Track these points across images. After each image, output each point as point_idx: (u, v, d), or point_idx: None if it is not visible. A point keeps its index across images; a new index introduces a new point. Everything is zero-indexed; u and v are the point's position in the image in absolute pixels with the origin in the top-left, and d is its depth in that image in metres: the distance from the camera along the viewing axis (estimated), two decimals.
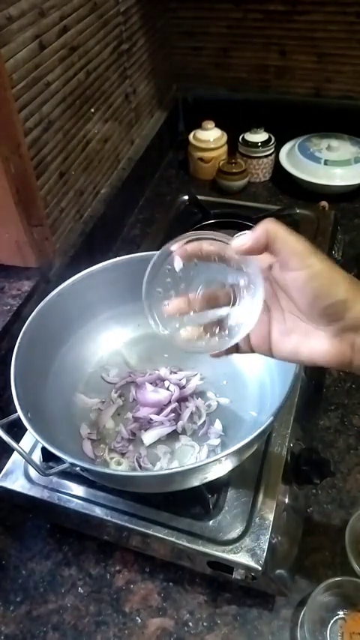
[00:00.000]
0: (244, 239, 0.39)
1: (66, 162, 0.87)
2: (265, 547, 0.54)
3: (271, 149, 1.19)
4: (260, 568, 0.53)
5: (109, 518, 0.58)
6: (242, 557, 0.54)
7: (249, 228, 0.74)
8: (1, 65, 0.66)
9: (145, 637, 0.60)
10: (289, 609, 0.61)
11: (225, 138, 1.21)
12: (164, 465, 0.62)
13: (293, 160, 1.17)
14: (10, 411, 0.53)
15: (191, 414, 0.66)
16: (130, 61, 1.06)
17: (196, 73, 1.28)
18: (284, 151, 1.20)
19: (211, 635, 0.60)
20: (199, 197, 1.00)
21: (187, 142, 1.23)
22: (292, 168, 1.15)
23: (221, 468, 0.53)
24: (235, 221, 0.92)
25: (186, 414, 0.66)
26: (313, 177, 1.11)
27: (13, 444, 0.50)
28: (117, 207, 1.06)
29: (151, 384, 0.69)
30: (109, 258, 0.68)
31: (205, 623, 0.61)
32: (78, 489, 0.61)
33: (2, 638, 0.62)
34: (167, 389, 0.68)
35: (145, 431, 0.65)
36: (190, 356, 0.72)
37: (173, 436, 0.65)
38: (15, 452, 0.62)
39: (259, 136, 1.18)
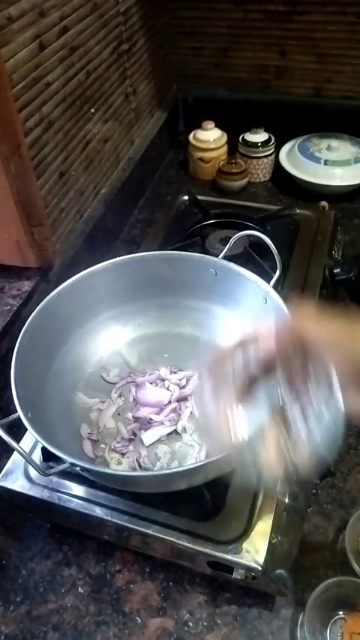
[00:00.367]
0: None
1: (66, 162, 0.87)
2: (265, 547, 0.54)
3: (271, 149, 1.19)
4: (260, 568, 0.53)
5: (109, 518, 0.58)
6: (242, 557, 0.54)
7: (249, 228, 0.74)
8: (1, 65, 0.66)
9: (145, 637, 0.61)
10: (289, 609, 0.61)
11: (225, 138, 1.21)
12: (164, 465, 0.62)
13: (293, 160, 1.17)
14: (10, 410, 0.53)
15: (191, 413, 0.66)
16: (130, 61, 1.06)
17: (196, 73, 1.28)
18: (284, 151, 1.20)
19: (211, 635, 0.60)
20: (199, 197, 1.00)
21: (187, 142, 1.23)
22: (292, 169, 1.15)
23: (221, 468, 0.53)
24: (235, 221, 0.92)
25: (186, 414, 0.66)
26: (313, 178, 1.12)
27: (13, 443, 0.50)
28: (117, 208, 1.06)
29: (151, 384, 0.69)
30: (109, 258, 0.68)
31: (205, 623, 0.61)
32: (78, 489, 0.61)
33: (2, 638, 0.62)
34: (167, 389, 0.68)
35: (145, 431, 0.65)
36: (190, 356, 0.72)
37: (173, 436, 0.65)
38: (15, 452, 0.62)
39: (259, 136, 1.18)
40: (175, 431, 0.65)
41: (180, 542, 0.56)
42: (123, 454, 0.64)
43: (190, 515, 0.57)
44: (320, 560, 0.65)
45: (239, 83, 1.26)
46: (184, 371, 0.71)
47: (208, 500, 0.57)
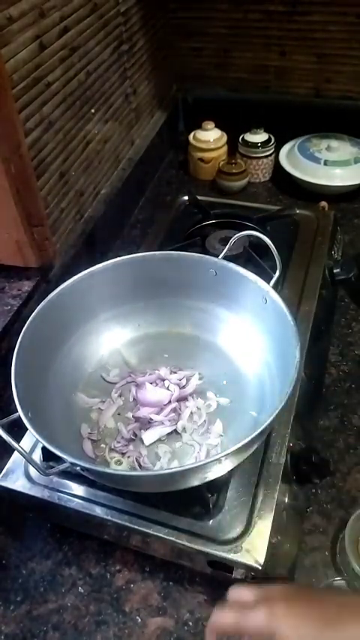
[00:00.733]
0: None
1: (66, 162, 0.87)
2: (265, 547, 0.55)
3: (270, 149, 1.19)
4: (260, 567, 0.54)
5: (109, 517, 0.58)
6: (242, 557, 0.54)
7: (249, 228, 0.74)
8: (1, 66, 0.66)
9: (145, 636, 0.61)
10: None
11: (225, 138, 1.22)
12: (164, 465, 0.62)
13: (293, 160, 1.17)
14: (10, 410, 0.53)
15: (191, 413, 0.66)
16: (130, 62, 1.06)
17: (196, 74, 1.28)
18: (284, 151, 1.20)
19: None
20: (199, 197, 1.00)
21: (187, 143, 1.23)
22: (291, 169, 1.15)
23: (221, 468, 0.53)
24: (235, 221, 0.92)
25: (186, 414, 0.66)
26: (313, 178, 1.12)
27: (14, 443, 0.50)
28: (117, 208, 1.06)
29: (151, 383, 0.69)
30: (110, 259, 0.68)
31: (205, 623, 0.61)
32: (78, 489, 0.61)
33: (2, 637, 0.62)
34: (167, 389, 0.68)
35: (146, 430, 0.65)
36: (190, 356, 0.72)
37: (173, 436, 0.65)
38: (15, 451, 0.62)
39: (259, 137, 1.19)
40: (175, 431, 0.65)
41: (180, 541, 0.56)
42: (123, 454, 0.64)
43: (190, 515, 0.57)
44: (320, 560, 0.65)
45: (239, 83, 1.26)
46: (184, 371, 0.71)
47: (208, 500, 0.57)
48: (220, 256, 0.67)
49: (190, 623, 0.61)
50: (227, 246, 0.68)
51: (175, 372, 0.71)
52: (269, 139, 1.19)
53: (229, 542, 0.55)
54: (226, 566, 0.56)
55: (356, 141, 1.16)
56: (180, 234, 0.92)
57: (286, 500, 0.61)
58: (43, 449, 0.63)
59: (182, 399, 0.68)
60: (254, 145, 1.18)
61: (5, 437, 0.50)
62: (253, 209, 0.98)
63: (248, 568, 0.54)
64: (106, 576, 0.65)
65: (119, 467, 0.62)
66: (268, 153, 1.19)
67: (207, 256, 0.68)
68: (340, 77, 1.17)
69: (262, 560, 0.54)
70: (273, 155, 1.20)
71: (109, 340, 0.74)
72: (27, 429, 0.50)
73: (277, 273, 0.64)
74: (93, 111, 0.93)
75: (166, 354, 0.73)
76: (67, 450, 0.50)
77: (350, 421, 0.77)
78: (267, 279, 0.63)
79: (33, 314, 0.61)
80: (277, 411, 0.49)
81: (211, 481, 0.54)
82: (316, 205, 1.06)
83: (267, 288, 0.62)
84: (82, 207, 0.96)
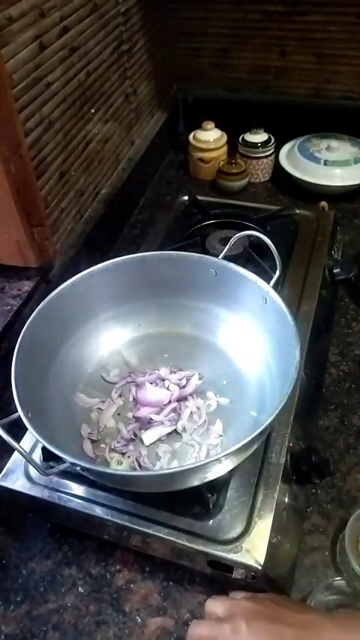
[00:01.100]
0: None
1: (66, 162, 0.87)
2: (265, 547, 0.55)
3: (270, 149, 1.19)
4: (260, 568, 0.54)
5: (109, 517, 0.58)
6: (242, 557, 0.54)
7: (249, 228, 0.74)
8: (1, 66, 0.66)
9: (145, 636, 0.61)
10: None
11: (225, 138, 1.22)
12: (164, 465, 0.62)
13: (293, 160, 1.17)
14: (10, 410, 0.53)
15: (191, 413, 0.66)
16: (130, 62, 1.06)
17: (196, 74, 1.28)
18: (284, 151, 1.20)
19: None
20: (199, 197, 1.00)
21: (187, 143, 1.23)
22: (291, 169, 1.15)
23: (221, 468, 0.53)
24: (235, 221, 0.92)
25: (186, 414, 0.66)
26: (313, 178, 1.12)
27: (14, 443, 0.50)
28: (117, 208, 1.06)
29: (151, 383, 0.69)
30: (110, 259, 0.68)
31: None
32: (78, 489, 0.61)
33: (2, 637, 0.62)
34: (167, 389, 0.68)
35: (146, 430, 0.65)
36: (190, 356, 0.72)
37: (173, 436, 0.65)
38: (15, 451, 0.62)
39: (258, 137, 1.19)
40: (175, 431, 0.65)
41: (180, 541, 0.56)
42: (123, 454, 0.64)
43: (190, 515, 0.57)
44: (320, 560, 0.65)
45: (239, 83, 1.26)
46: (184, 371, 0.71)
47: (208, 500, 0.57)
48: (220, 256, 0.67)
49: (190, 623, 0.61)
50: (227, 246, 0.68)
51: (175, 372, 0.71)
52: (269, 139, 1.19)
53: (229, 542, 0.55)
54: (226, 566, 0.56)
55: (356, 141, 1.16)
56: (180, 234, 0.92)
57: (286, 500, 0.61)
58: (43, 449, 0.63)
59: (182, 399, 0.68)
60: (254, 145, 1.18)
61: (5, 437, 0.50)
62: (253, 209, 0.98)
63: (248, 568, 0.54)
64: (106, 576, 0.65)
65: (119, 467, 0.62)
66: (268, 153, 1.19)
67: (207, 256, 0.68)
68: (340, 77, 1.17)
69: (262, 560, 0.54)
70: (273, 155, 1.20)
71: (109, 340, 0.74)
72: (27, 429, 0.50)
73: (277, 273, 0.64)
74: (93, 111, 0.93)
75: (166, 354, 0.73)
76: (67, 450, 0.50)
77: (350, 421, 0.77)
78: (267, 279, 0.63)
79: (33, 314, 0.61)
80: (277, 411, 0.49)
81: (211, 481, 0.54)
82: (316, 205, 1.06)
83: (267, 288, 0.62)
84: (82, 207, 0.96)
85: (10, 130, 0.69)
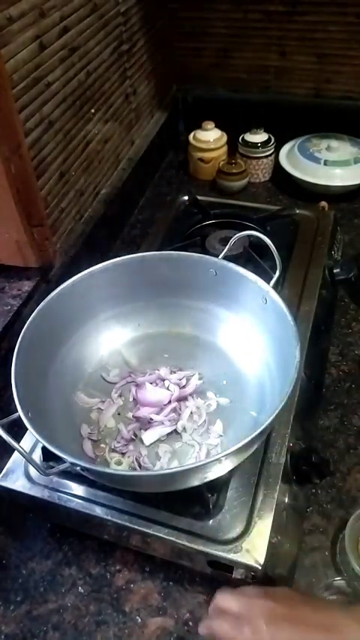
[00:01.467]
0: None
1: (66, 162, 0.87)
2: (265, 547, 0.55)
3: (270, 149, 1.19)
4: (260, 567, 0.54)
5: (109, 517, 0.58)
6: (242, 557, 0.54)
7: (249, 228, 0.74)
8: (1, 66, 0.66)
9: (145, 636, 0.61)
10: None
11: (225, 138, 1.22)
12: (164, 465, 0.62)
13: (293, 160, 1.17)
14: (10, 410, 0.53)
15: (191, 413, 0.66)
16: (130, 62, 1.06)
17: (196, 74, 1.28)
18: (284, 151, 1.20)
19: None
20: (199, 197, 1.00)
21: (187, 143, 1.23)
22: (291, 169, 1.15)
23: (221, 468, 0.53)
24: (235, 221, 0.92)
25: (186, 414, 0.66)
26: (313, 178, 1.12)
27: (14, 443, 0.50)
28: (117, 208, 1.06)
29: (151, 383, 0.69)
30: (110, 259, 0.68)
31: None
32: (78, 489, 0.61)
33: (2, 637, 0.62)
34: (167, 389, 0.68)
35: (145, 431, 0.65)
36: (190, 356, 0.72)
37: (173, 436, 0.65)
38: (15, 451, 0.62)
39: (258, 137, 1.19)
40: (175, 431, 0.65)
41: (180, 541, 0.56)
42: (123, 454, 0.64)
43: (190, 515, 0.57)
44: (320, 560, 0.65)
45: (239, 83, 1.26)
46: (184, 371, 0.71)
47: (208, 500, 0.57)
48: (220, 256, 0.67)
49: (190, 623, 0.61)
50: (227, 246, 0.68)
51: (175, 372, 0.71)
52: (269, 139, 1.19)
53: (229, 542, 0.55)
54: (226, 566, 0.56)
55: (356, 141, 1.16)
56: (180, 234, 0.92)
57: (286, 500, 0.61)
58: (43, 449, 0.63)
59: (182, 399, 0.68)
60: (254, 145, 1.18)
61: (5, 437, 0.50)
62: (253, 209, 0.98)
63: (248, 568, 0.54)
64: (106, 576, 0.65)
65: (119, 467, 0.62)
66: (268, 153, 1.19)
67: (207, 256, 0.68)
68: (340, 77, 1.17)
69: (262, 560, 0.54)
70: (273, 155, 1.20)
71: (109, 340, 0.74)
72: (27, 429, 0.50)
73: (277, 273, 0.64)
74: (93, 111, 0.93)
75: (166, 354, 0.73)
76: (67, 450, 0.50)
77: (350, 421, 0.77)
78: (267, 279, 0.63)
79: (33, 314, 0.61)
80: (277, 411, 0.49)
81: (211, 481, 0.54)
82: (316, 205, 1.06)
83: (267, 288, 0.62)
84: (82, 207, 0.96)
85: (10, 130, 0.69)
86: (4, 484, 0.62)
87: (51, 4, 0.75)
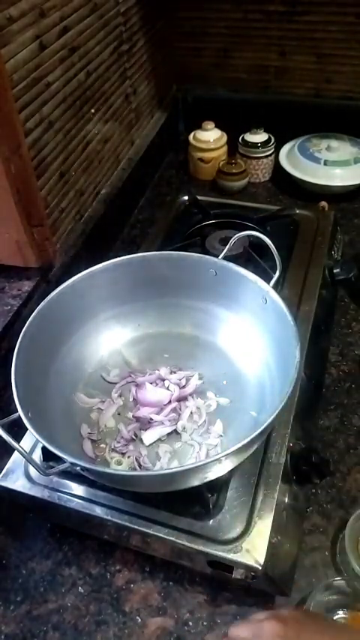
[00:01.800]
0: None
1: (66, 162, 0.87)
2: (265, 547, 0.55)
3: (270, 149, 1.19)
4: (260, 567, 0.54)
5: (109, 517, 0.58)
6: (242, 557, 0.54)
7: (249, 228, 0.74)
8: (1, 66, 0.66)
9: (145, 636, 0.61)
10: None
11: (225, 138, 1.22)
12: (164, 465, 0.62)
13: (293, 160, 1.17)
14: (10, 410, 0.53)
15: (191, 413, 0.66)
16: (130, 62, 1.06)
17: (196, 74, 1.28)
18: (284, 151, 1.20)
19: (211, 635, 0.60)
20: (199, 197, 1.00)
21: (187, 143, 1.23)
22: (291, 169, 1.15)
23: (221, 468, 0.53)
24: (235, 221, 0.92)
25: (186, 414, 0.66)
26: (313, 178, 1.12)
27: (14, 443, 0.50)
28: (117, 208, 1.06)
29: (151, 383, 0.69)
30: (110, 259, 0.68)
31: (205, 623, 0.61)
32: (78, 489, 0.61)
33: (2, 637, 0.62)
34: (167, 389, 0.68)
35: (146, 431, 0.65)
36: (190, 356, 0.72)
37: (173, 436, 0.65)
38: (15, 451, 0.62)
39: (258, 137, 1.19)
40: (175, 431, 0.65)
41: (180, 541, 0.56)
42: (123, 454, 0.64)
43: (190, 515, 0.57)
44: (320, 560, 0.65)
45: (239, 83, 1.26)
46: (184, 371, 0.71)
47: (208, 500, 0.57)
48: (220, 256, 0.67)
49: (190, 623, 0.61)
50: (227, 246, 0.68)
51: (175, 372, 0.71)
52: (269, 139, 1.19)
53: (229, 542, 0.55)
54: (226, 566, 0.56)
55: (356, 141, 1.16)
56: (180, 234, 0.92)
57: (286, 500, 0.61)
58: (43, 449, 0.63)
59: (182, 399, 0.68)
60: (254, 145, 1.18)
61: (5, 437, 0.50)
62: (253, 209, 0.98)
63: (248, 568, 0.54)
64: (106, 576, 0.65)
65: (119, 467, 0.62)
66: (268, 153, 1.19)
67: (207, 256, 0.68)
68: (340, 77, 1.17)
69: (262, 560, 0.54)
70: (273, 155, 1.20)
71: (109, 340, 0.74)
72: (27, 429, 0.50)
73: (277, 273, 0.64)
74: (93, 111, 0.93)
75: (166, 354, 0.73)
76: (67, 450, 0.50)
77: (350, 421, 0.77)
78: (267, 279, 0.63)
79: (33, 314, 0.61)
80: (277, 411, 0.49)
81: (211, 481, 0.54)
82: (316, 205, 1.06)
83: (267, 288, 0.62)
84: (82, 207, 0.96)
85: (10, 130, 0.69)
86: (4, 484, 0.62)
87: (51, 4, 0.75)
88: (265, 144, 1.18)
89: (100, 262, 0.68)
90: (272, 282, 0.63)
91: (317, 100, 1.22)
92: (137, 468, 0.62)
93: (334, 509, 0.69)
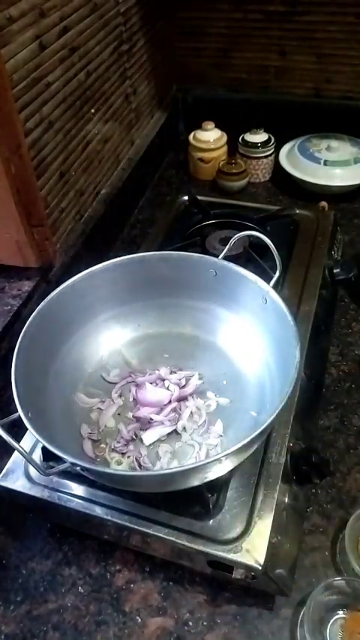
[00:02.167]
0: None
1: (66, 162, 0.87)
2: (265, 547, 0.55)
3: (270, 149, 1.19)
4: (260, 567, 0.54)
5: (109, 517, 0.58)
6: (242, 557, 0.54)
7: (249, 228, 0.75)
8: (1, 66, 0.66)
9: (145, 636, 0.61)
10: (289, 609, 0.61)
11: (225, 138, 1.22)
12: (164, 465, 0.62)
13: (293, 160, 1.17)
14: (10, 410, 0.53)
15: (191, 413, 0.66)
16: (130, 62, 1.06)
17: (196, 74, 1.28)
18: (284, 151, 1.20)
19: (211, 635, 0.60)
20: (199, 197, 1.00)
21: (187, 143, 1.23)
22: (291, 169, 1.15)
23: (221, 468, 0.53)
24: (235, 221, 0.92)
25: (186, 414, 0.66)
26: (313, 178, 1.12)
27: (14, 443, 0.50)
28: (117, 208, 1.07)
29: (151, 383, 0.69)
30: (110, 259, 0.68)
31: (205, 623, 0.61)
32: (78, 489, 0.61)
33: (2, 637, 0.62)
34: (167, 389, 0.68)
35: (146, 431, 0.65)
36: (190, 356, 0.72)
37: (173, 436, 0.65)
38: (15, 451, 0.62)
39: (258, 137, 1.19)
40: (175, 431, 0.65)
41: (180, 541, 0.56)
42: (123, 454, 0.64)
43: (190, 515, 0.57)
44: (320, 560, 0.65)
45: (239, 83, 1.26)
46: (184, 371, 0.71)
47: (208, 500, 0.57)
48: (220, 256, 0.67)
49: (190, 623, 0.61)
50: (227, 247, 0.68)
51: (175, 372, 0.71)
52: (269, 139, 1.19)
53: (229, 542, 0.55)
54: (226, 566, 0.56)
55: (356, 141, 1.16)
56: (180, 234, 0.92)
57: (286, 500, 0.61)
58: (43, 449, 0.63)
59: (182, 399, 0.68)
60: (254, 145, 1.18)
61: (5, 437, 0.50)
62: (253, 209, 0.98)
63: (248, 568, 0.54)
64: (106, 576, 0.65)
65: (119, 467, 0.62)
66: (268, 153, 1.19)
67: (207, 256, 0.68)
68: (340, 77, 1.17)
69: (262, 560, 0.54)
70: (273, 155, 1.20)
71: (109, 340, 0.74)
72: (27, 429, 0.50)
73: (277, 273, 0.64)
74: (93, 111, 0.93)
75: (166, 354, 0.73)
76: (67, 450, 0.50)
77: (350, 421, 0.77)
78: (267, 279, 0.63)
79: (33, 314, 0.61)
80: (277, 411, 0.49)
81: (211, 481, 0.54)
82: (316, 205, 1.06)
83: (267, 288, 0.62)
84: (82, 207, 0.96)
85: (10, 130, 0.69)
86: (4, 484, 0.62)
87: (51, 4, 0.75)
88: (265, 144, 1.18)
89: (100, 262, 0.68)
90: (272, 282, 0.63)
91: (317, 100, 1.22)
92: (137, 468, 0.62)
93: (334, 509, 0.69)
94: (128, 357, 0.73)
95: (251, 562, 0.54)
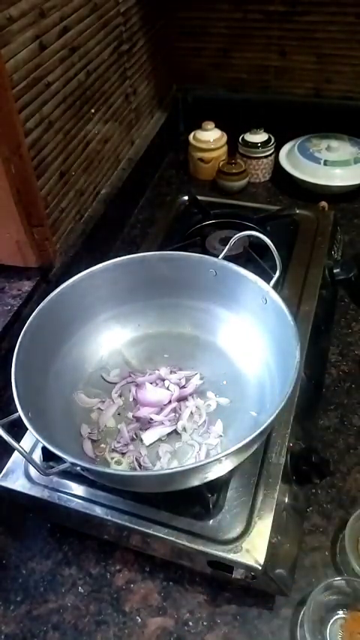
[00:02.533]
0: None
1: (66, 162, 0.87)
2: (265, 547, 0.55)
3: (270, 149, 1.19)
4: (260, 567, 0.54)
5: (109, 517, 0.58)
6: (242, 557, 0.54)
7: (249, 228, 0.75)
8: (1, 66, 0.66)
9: (145, 636, 0.61)
10: (289, 609, 0.61)
11: (225, 138, 1.22)
12: (164, 465, 0.62)
13: (293, 160, 1.17)
14: (10, 410, 0.53)
15: (191, 413, 0.66)
16: (130, 62, 1.06)
17: (196, 74, 1.28)
18: (284, 151, 1.20)
19: (211, 635, 0.60)
20: (199, 197, 1.00)
21: (187, 143, 1.23)
22: (291, 169, 1.15)
23: (221, 468, 0.53)
24: (235, 221, 0.92)
25: (186, 414, 0.66)
26: (313, 178, 1.12)
27: (14, 443, 0.50)
28: (117, 208, 1.06)
29: (151, 383, 0.69)
30: (110, 259, 0.68)
31: (205, 623, 0.61)
32: (78, 489, 0.61)
33: (2, 637, 0.62)
34: (167, 389, 0.68)
35: (146, 431, 0.65)
36: (190, 356, 0.72)
37: (173, 436, 0.65)
38: (15, 451, 0.62)
39: (258, 137, 1.19)
40: (175, 431, 0.65)
41: (180, 541, 0.56)
42: (123, 454, 0.64)
43: (190, 515, 0.57)
44: (320, 560, 0.65)
45: (239, 83, 1.26)
46: (184, 371, 0.71)
47: (208, 500, 0.57)
48: (220, 256, 0.67)
49: (190, 623, 0.61)
50: (227, 247, 0.68)
51: (175, 372, 0.71)
52: (269, 139, 1.19)
53: (229, 542, 0.55)
54: (226, 566, 0.56)
55: (356, 141, 1.16)
56: (180, 234, 0.92)
57: (286, 500, 0.61)
58: (43, 449, 0.63)
59: (182, 399, 0.68)
60: (254, 145, 1.18)
61: (5, 437, 0.50)
62: (253, 209, 0.98)
63: (248, 568, 0.54)
64: (106, 576, 0.65)
65: (119, 467, 0.62)
66: (268, 153, 1.19)
67: (207, 256, 0.68)
68: (340, 77, 1.17)
69: (262, 560, 0.54)
70: (273, 155, 1.20)
71: (109, 340, 0.74)
72: (27, 429, 0.50)
73: (277, 273, 0.64)
74: (93, 111, 0.93)
75: (166, 354, 0.73)
76: (67, 450, 0.50)
77: (350, 421, 0.77)
78: (267, 279, 0.63)
79: (33, 314, 0.61)
80: (277, 411, 0.49)
81: (211, 481, 0.54)
82: (316, 205, 1.06)
83: (267, 288, 0.62)
84: (82, 207, 0.96)
85: (10, 130, 0.69)
86: (4, 484, 0.62)
87: (51, 4, 0.75)
88: (265, 144, 1.18)
89: (100, 262, 0.68)
90: (272, 282, 0.63)
91: (317, 100, 1.22)
92: (137, 468, 0.62)
93: (334, 509, 0.69)
94: (128, 357, 0.73)
95: (251, 562, 0.54)
